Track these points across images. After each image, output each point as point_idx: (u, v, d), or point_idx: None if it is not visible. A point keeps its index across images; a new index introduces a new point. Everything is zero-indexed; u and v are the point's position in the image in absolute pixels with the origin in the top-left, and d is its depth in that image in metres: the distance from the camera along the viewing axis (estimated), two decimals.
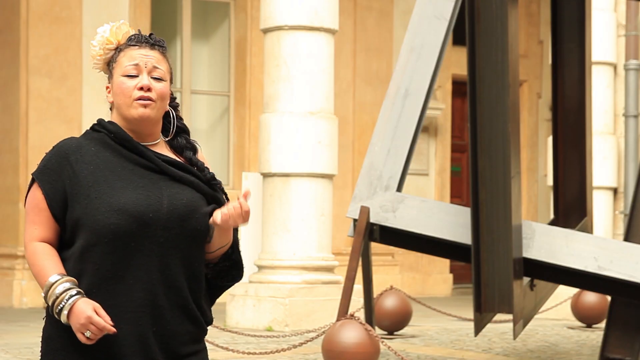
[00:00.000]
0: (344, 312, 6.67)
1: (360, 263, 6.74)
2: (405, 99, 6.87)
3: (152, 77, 2.87)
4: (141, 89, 2.85)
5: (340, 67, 13.57)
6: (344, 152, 13.57)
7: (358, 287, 8.42)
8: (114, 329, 2.72)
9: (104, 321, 2.71)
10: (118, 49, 2.91)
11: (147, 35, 2.94)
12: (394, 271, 14.56)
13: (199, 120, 13.53)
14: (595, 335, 9.85)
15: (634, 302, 6.82)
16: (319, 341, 7.31)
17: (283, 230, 9.83)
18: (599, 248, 6.42)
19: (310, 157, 9.83)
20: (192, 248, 2.85)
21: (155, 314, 2.80)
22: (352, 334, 6.56)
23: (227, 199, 2.96)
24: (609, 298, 7.90)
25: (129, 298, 2.77)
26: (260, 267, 9.95)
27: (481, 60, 5.83)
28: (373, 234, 6.67)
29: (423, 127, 10.14)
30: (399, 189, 6.70)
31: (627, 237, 7.06)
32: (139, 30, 2.96)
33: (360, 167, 7.19)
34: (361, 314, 7.54)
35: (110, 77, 2.92)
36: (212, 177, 2.94)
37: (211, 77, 13.86)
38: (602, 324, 8.79)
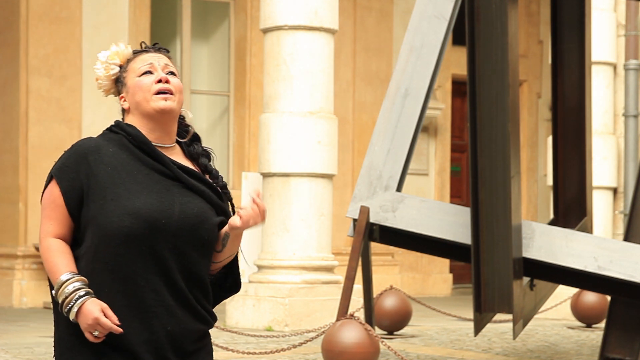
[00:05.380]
0: (343, 312, 6.67)
1: (360, 263, 6.73)
2: (405, 98, 6.87)
3: (166, 73, 2.98)
4: (159, 81, 2.95)
5: (340, 67, 13.57)
6: (344, 152, 13.57)
7: (358, 287, 8.42)
8: (120, 329, 2.79)
9: (111, 322, 2.78)
10: (128, 61, 3.01)
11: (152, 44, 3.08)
12: (393, 271, 14.56)
13: (199, 120, 13.52)
14: (595, 335, 9.85)
15: (634, 302, 6.82)
16: (319, 341, 7.31)
17: (283, 230, 9.82)
18: (599, 248, 6.41)
19: (310, 157, 9.83)
20: (199, 256, 2.92)
21: (168, 313, 2.86)
22: (352, 334, 6.56)
23: (233, 205, 3.04)
24: (609, 298, 7.89)
25: (140, 299, 2.84)
26: (260, 267, 9.94)
27: (481, 60, 5.82)
28: (373, 233, 6.66)
29: (423, 127, 10.14)
30: (399, 188, 6.70)
31: (627, 237, 7.05)
32: (141, 44, 3.06)
33: (360, 167, 7.18)
34: (361, 314, 7.54)
35: (122, 87, 3.00)
36: (224, 185, 3.02)
37: (211, 77, 13.85)
38: (602, 324, 8.78)
